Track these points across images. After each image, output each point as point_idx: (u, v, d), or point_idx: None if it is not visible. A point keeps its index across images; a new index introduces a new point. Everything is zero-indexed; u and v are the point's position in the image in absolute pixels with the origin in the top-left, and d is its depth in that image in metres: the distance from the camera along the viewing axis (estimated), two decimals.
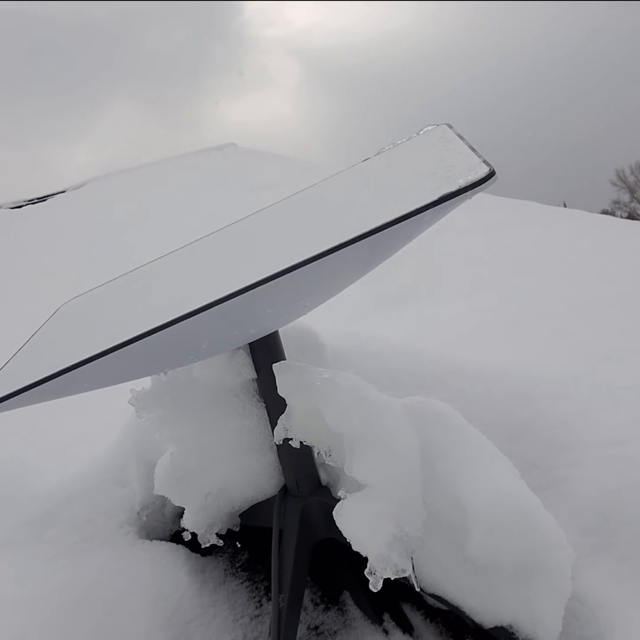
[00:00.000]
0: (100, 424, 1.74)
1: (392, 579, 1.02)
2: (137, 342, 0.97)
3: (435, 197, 0.91)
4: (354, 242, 0.89)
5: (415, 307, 2.01)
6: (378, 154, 1.42)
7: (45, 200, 8.86)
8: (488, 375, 1.57)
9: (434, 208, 0.92)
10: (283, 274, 0.92)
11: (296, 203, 1.38)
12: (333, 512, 1.07)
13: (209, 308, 0.96)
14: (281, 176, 5.88)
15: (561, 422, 1.43)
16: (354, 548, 1.04)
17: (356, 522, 1.03)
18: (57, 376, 0.99)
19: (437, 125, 1.38)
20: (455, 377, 1.55)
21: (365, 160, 1.43)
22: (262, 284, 0.93)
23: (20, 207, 8.86)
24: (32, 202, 9.13)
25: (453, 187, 0.92)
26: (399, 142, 1.41)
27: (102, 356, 0.97)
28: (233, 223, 1.52)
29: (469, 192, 0.92)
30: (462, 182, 0.92)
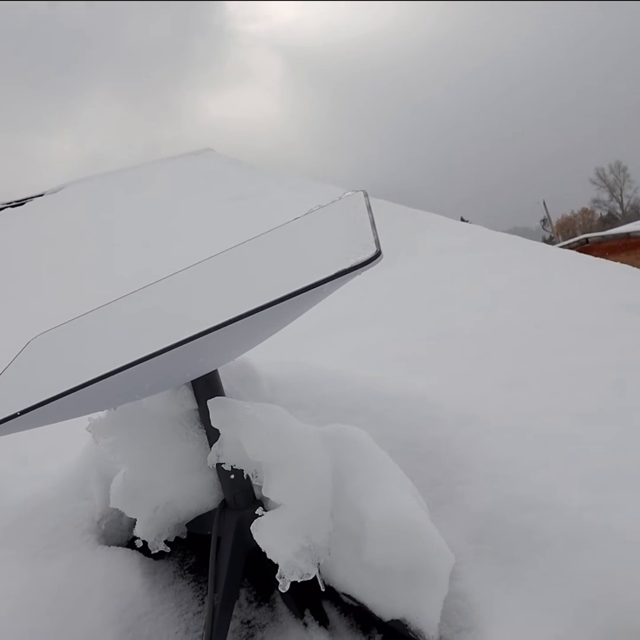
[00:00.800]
0: (67, 439, 1.94)
1: (299, 581, 1.25)
2: (86, 388, 1.19)
3: (331, 273, 1.15)
4: (256, 312, 1.12)
5: (353, 331, 2.23)
6: (307, 213, 1.65)
7: (23, 203, 8.97)
8: (406, 400, 1.79)
9: (330, 282, 1.15)
10: (202, 335, 1.15)
11: (229, 259, 1.61)
12: (251, 527, 1.29)
13: (148, 359, 1.18)
14: (255, 187, 6.08)
15: (463, 443, 1.66)
16: (268, 557, 1.26)
17: (270, 535, 1.26)
18: (16, 417, 1.21)
19: (356, 191, 1.61)
20: (377, 402, 1.78)
21: (296, 219, 1.66)
22: (186, 342, 1.16)
23: (0, 209, 8.97)
24: (10, 204, 9.24)
25: (346, 265, 1.15)
26: (324, 205, 1.64)
27: (56, 399, 1.19)
28: (184, 269, 1.74)
29: (358, 270, 1.15)
30: (353, 262, 1.16)
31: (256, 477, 1.41)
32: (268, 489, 1.30)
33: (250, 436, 1.28)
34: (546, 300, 2.44)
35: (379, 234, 1.31)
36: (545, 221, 50.60)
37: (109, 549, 1.74)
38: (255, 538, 1.28)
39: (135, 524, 1.61)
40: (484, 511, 1.49)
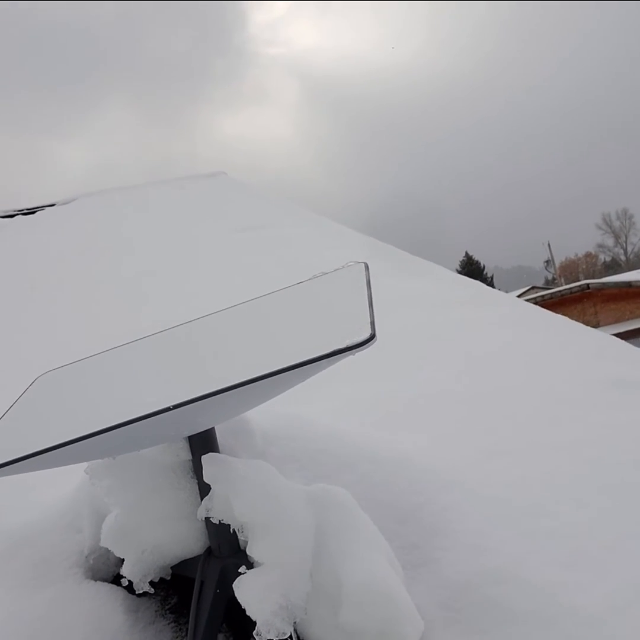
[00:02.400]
0: (60, 469, 2.01)
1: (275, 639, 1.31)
2: (85, 440, 1.26)
3: (325, 352, 1.23)
4: (249, 383, 1.21)
5: (346, 384, 2.31)
6: (310, 279, 1.74)
7: (34, 212, 9.09)
8: (392, 461, 1.87)
9: (326, 360, 1.23)
10: (201, 399, 1.23)
11: (232, 318, 1.70)
12: (233, 585, 1.36)
13: (148, 417, 1.26)
14: (266, 218, 6.18)
15: (443, 509, 1.73)
16: (247, 613, 1.33)
17: (250, 593, 1.33)
18: (18, 461, 1.29)
19: (358, 262, 1.69)
20: (364, 461, 1.85)
21: (298, 283, 1.74)
22: (186, 405, 1.24)
23: (11, 216, 9.08)
24: (22, 212, 9.35)
25: (340, 345, 1.24)
26: (327, 272, 1.73)
27: (55, 449, 1.27)
28: (190, 321, 1.82)
29: (352, 351, 1.23)
30: (348, 342, 1.24)
31: (242, 532, 1.48)
32: (252, 549, 1.37)
33: (238, 497, 1.36)
34: (539, 367, 2.52)
35: (375, 305, 1.40)
36: (549, 262, 50.92)
37: (94, 584, 1.80)
38: (236, 595, 1.35)
39: (122, 560, 1.68)
40: (458, 579, 1.55)
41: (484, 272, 50.20)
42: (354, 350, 1.22)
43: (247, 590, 1.33)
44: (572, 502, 1.72)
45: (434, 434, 2.06)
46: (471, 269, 47.77)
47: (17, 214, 9.14)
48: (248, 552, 1.39)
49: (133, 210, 7.76)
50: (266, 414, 1.89)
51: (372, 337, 1.24)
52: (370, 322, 1.30)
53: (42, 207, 9.32)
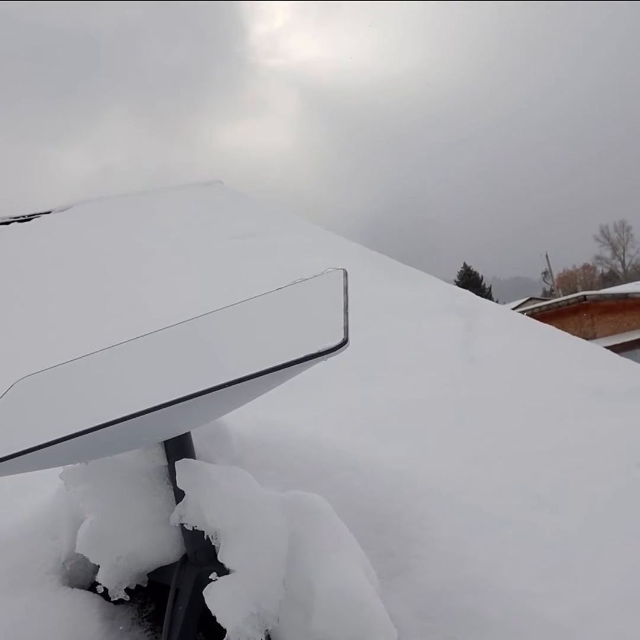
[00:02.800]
0: (37, 476, 2.00)
1: None
2: (58, 445, 1.26)
3: (298, 357, 1.23)
4: (222, 388, 1.20)
5: (328, 391, 2.31)
6: (290, 284, 1.74)
7: (30, 219, 9.08)
8: (370, 469, 1.86)
9: (299, 364, 1.23)
10: (174, 403, 1.23)
11: (211, 323, 1.70)
12: (203, 592, 1.36)
13: (121, 422, 1.25)
14: (259, 226, 6.19)
15: (419, 517, 1.72)
16: (218, 621, 1.32)
17: (221, 601, 1.32)
18: None
19: (337, 269, 1.70)
20: (342, 468, 1.85)
21: (278, 289, 1.75)
22: (158, 409, 1.24)
23: (7, 223, 9.08)
24: (17, 219, 9.35)
25: (313, 350, 1.24)
26: (306, 278, 1.73)
27: (26, 453, 1.27)
28: (170, 326, 1.82)
29: (324, 356, 1.23)
30: (320, 348, 1.24)
31: (215, 539, 1.47)
32: (223, 555, 1.37)
33: (209, 503, 1.35)
34: (523, 376, 2.52)
35: (350, 315, 1.40)
36: (546, 274, 50.99)
37: (71, 591, 1.79)
38: (206, 602, 1.34)
39: (98, 567, 1.67)
40: (432, 588, 1.55)
41: (482, 283, 50.24)
42: (326, 355, 1.22)
43: (217, 597, 1.33)
44: (548, 510, 1.72)
45: (415, 441, 2.05)
46: (469, 279, 47.82)
47: (13, 221, 9.14)
48: (219, 558, 1.38)
49: (129, 218, 7.76)
50: (246, 420, 1.89)
51: (344, 342, 1.24)
52: (344, 328, 1.30)
53: (37, 214, 9.31)
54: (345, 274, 1.67)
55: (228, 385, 1.21)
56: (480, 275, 51.87)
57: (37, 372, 1.84)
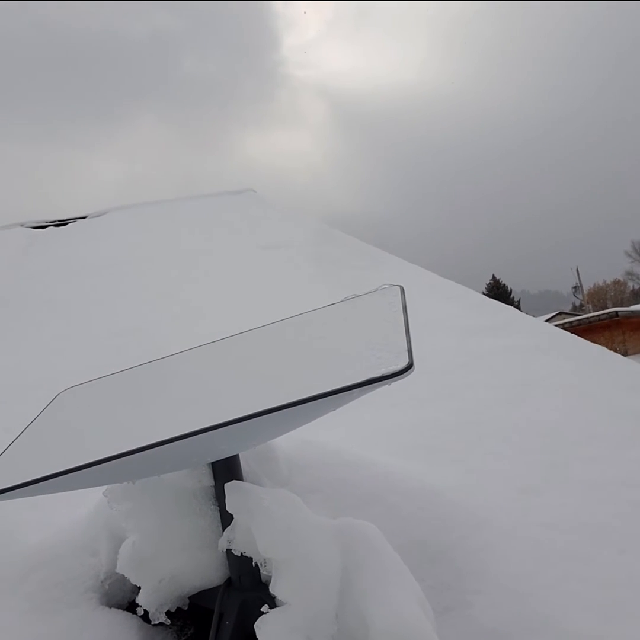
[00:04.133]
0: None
1: None
2: (107, 463, 1.20)
3: (359, 380, 1.16)
4: (279, 410, 1.14)
5: (374, 411, 2.23)
6: (342, 301, 1.67)
7: (66, 224, 9.15)
8: (422, 495, 1.78)
9: (360, 388, 1.16)
10: (230, 424, 1.16)
11: (262, 339, 1.63)
12: (254, 625, 1.29)
13: (170, 442, 1.19)
14: (291, 237, 6.14)
15: (476, 550, 1.63)
16: None
17: (273, 635, 1.25)
18: (32, 484, 1.23)
19: (393, 285, 1.63)
20: (392, 494, 1.77)
21: (331, 305, 1.68)
22: (213, 430, 1.17)
23: (43, 227, 9.16)
24: (53, 223, 9.44)
25: (376, 374, 1.16)
26: (360, 294, 1.66)
27: (74, 471, 1.21)
28: (217, 341, 1.76)
29: (387, 381, 1.15)
30: (384, 371, 1.16)
31: (264, 566, 1.41)
32: (275, 587, 1.30)
33: (262, 531, 1.28)
34: (574, 400, 2.42)
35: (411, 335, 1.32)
36: (577, 288, 50.27)
37: (109, 611, 1.73)
38: (257, 635, 1.28)
39: (138, 586, 1.61)
40: (491, 626, 1.46)
41: (511, 296, 49.74)
42: (389, 380, 1.15)
43: (269, 631, 1.26)
44: (612, 547, 1.62)
45: (465, 467, 1.97)
46: (498, 292, 47.36)
47: (49, 226, 9.22)
48: (271, 589, 1.31)
49: (162, 225, 7.78)
50: (291, 441, 1.82)
51: (409, 366, 1.17)
52: (408, 350, 1.22)
53: (73, 219, 9.39)
54: (403, 291, 1.60)
55: (284, 409, 1.14)
56: (509, 288, 51.37)
57: (79, 384, 1.79)
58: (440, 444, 2.12)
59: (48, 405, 1.72)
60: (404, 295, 1.55)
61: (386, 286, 1.63)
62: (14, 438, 1.56)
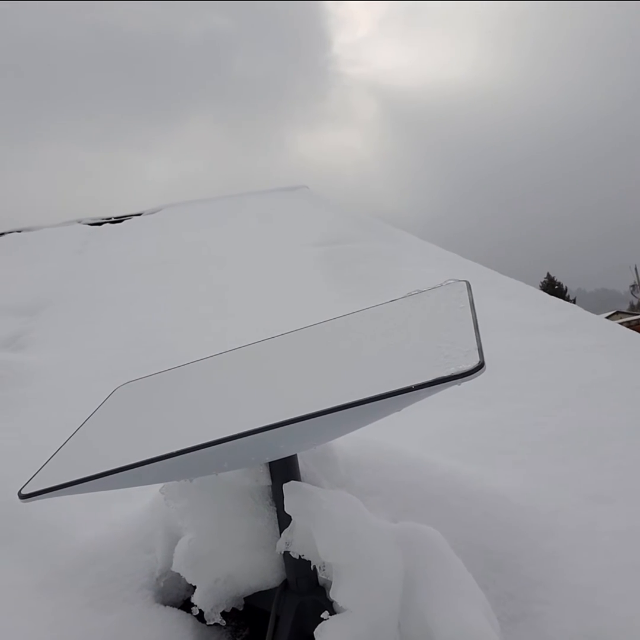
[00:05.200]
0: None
1: None
2: (166, 460, 1.18)
3: (428, 379, 1.10)
4: (348, 408, 1.08)
5: (433, 411, 2.15)
6: (405, 297, 1.61)
7: (121, 221, 9.32)
8: (485, 499, 1.71)
9: (427, 388, 1.10)
10: (290, 423, 1.11)
11: (322, 335, 1.58)
12: (314, 632, 1.24)
13: (230, 440, 1.15)
14: (347, 232, 6.08)
15: (544, 558, 1.55)
16: None
17: None
18: (94, 479, 1.21)
19: (459, 280, 1.56)
20: (454, 497, 1.70)
21: (393, 301, 1.62)
22: (272, 428, 1.13)
23: (99, 224, 9.35)
24: (110, 220, 9.62)
25: (444, 373, 1.10)
26: (423, 290, 1.59)
27: (134, 468, 1.19)
28: (276, 337, 1.72)
29: (457, 380, 1.09)
30: (453, 370, 1.10)
31: (323, 570, 1.36)
32: (336, 593, 1.25)
33: (322, 535, 1.24)
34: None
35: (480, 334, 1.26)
36: (635, 287, 48.81)
37: (164, 609, 1.71)
38: None
39: (194, 587, 1.58)
40: (559, 639, 1.38)
41: (566, 294, 48.64)
42: (459, 380, 1.09)
43: (330, 638, 1.21)
44: None
45: (530, 471, 1.88)
46: (553, 290, 46.31)
47: (105, 222, 9.41)
48: (332, 596, 1.26)
49: (216, 221, 7.83)
50: (349, 440, 1.77)
51: (481, 365, 1.10)
52: (478, 349, 1.16)
53: (129, 216, 9.56)
54: (469, 287, 1.53)
55: (347, 408, 1.09)
56: (564, 286, 50.24)
57: (137, 379, 1.78)
58: (502, 446, 2.04)
59: (106, 399, 1.71)
60: (471, 290, 1.49)
61: (451, 281, 1.56)
62: (72, 433, 1.55)
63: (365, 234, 6.02)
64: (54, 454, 1.47)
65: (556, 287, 48.32)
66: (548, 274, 50.12)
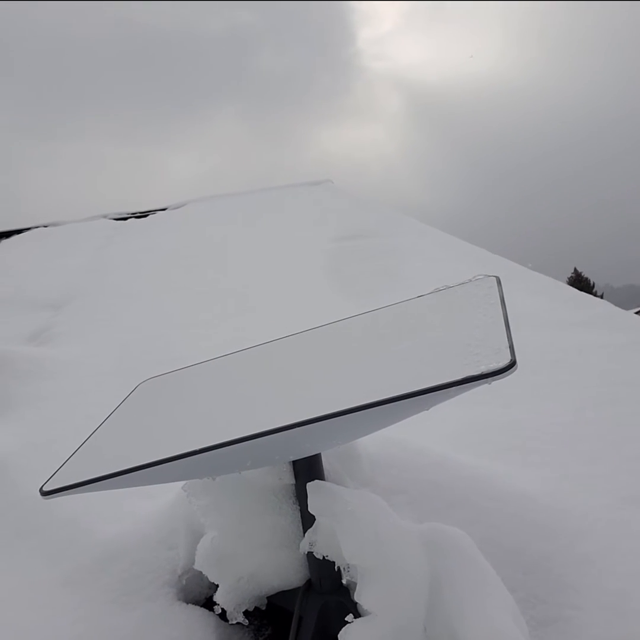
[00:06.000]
0: None
1: None
2: (190, 457, 1.15)
3: (458, 378, 1.06)
4: (376, 406, 1.05)
5: (460, 408, 2.11)
6: (432, 292, 1.57)
7: (146, 216, 9.35)
8: (514, 500, 1.66)
9: (457, 387, 1.06)
10: (316, 421, 1.08)
11: (341, 333, 1.55)
12: (338, 635, 1.21)
13: (254, 438, 1.13)
14: (372, 226, 6.04)
15: (576, 562, 1.51)
16: None
17: None
18: (117, 476, 1.20)
19: (488, 276, 1.52)
20: (481, 497, 1.66)
21: (420, 296, 1.58)
22: (299, 426, 1.10)
23: (124, 219, 9.40)
24: (134, 215, 9.66)
25: (474, 371, 1.06)
26: (451, 285, 1.55)
27: (157, 465, 1.17)
28: (291, 335, 1.69)
29: (487, 379, 1.05)
30: (483, 368, 1.06)
31: (347, 571, 1.33)
32: (360, 596, 1.22)
33: (347, 537, 1.21)
34: None
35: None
36: None
37: (186, 607, 1.70)
38: None
39: (216, 585, 1.57)
40: None
41: (594, 290, 47.93)
42: (489, 379, 1.05)
43: None
44: None
45: (560, 472, 1.83)
46: (580, 286, 45.66)
47: (130, 217, 9.45)
48: (356, 598, 1.23)
49: (238, 216, 7.83)
50: (373, 438, 1.74)
51: (512, 364, 1.06)
52: (509, 347, 1.12)
53: (154, 211, 9.60)
54: (499, 282, 1.49)
55: (373, 407, 1.06)
56: (591, 282, 49.50)
57: (160, 375, 1.76)
58: (532, 446, 1.99)
59: (129, 394, 1.70)
60: (501, 286, 1.44)
61: (480, 277, 1.52)
62: (95, 428, 1.54)
63: (391, 228, 5.96)
64: (77, 449, 1.46)
65: (583, 283, 47.62)
66: (575, 269, 49.38)
